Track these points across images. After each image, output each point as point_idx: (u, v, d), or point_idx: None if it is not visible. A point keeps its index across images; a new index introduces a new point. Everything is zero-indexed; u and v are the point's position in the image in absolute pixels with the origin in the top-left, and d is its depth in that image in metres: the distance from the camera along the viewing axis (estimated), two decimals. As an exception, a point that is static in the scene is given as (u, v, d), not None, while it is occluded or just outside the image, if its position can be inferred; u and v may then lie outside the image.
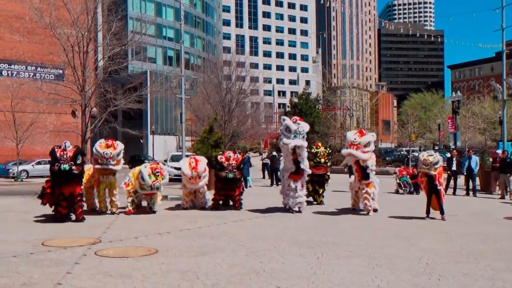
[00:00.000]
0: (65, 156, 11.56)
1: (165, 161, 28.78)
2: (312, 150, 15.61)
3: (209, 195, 15.18)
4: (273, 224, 11.88)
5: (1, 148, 41.67)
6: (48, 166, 12.77)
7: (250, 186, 23.72)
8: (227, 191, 14.63)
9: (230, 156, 14.32)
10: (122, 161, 13.78)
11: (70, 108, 39.66)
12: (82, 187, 12.78)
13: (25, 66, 46.89)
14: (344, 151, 13.76)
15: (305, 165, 13.79)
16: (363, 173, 13.53)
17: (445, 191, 20.32)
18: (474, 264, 7.73)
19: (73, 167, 11.53)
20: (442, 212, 12.58)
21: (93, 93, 22.95)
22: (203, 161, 14.75)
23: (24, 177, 33.42)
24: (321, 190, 16.04)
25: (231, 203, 14.88)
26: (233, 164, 14.10)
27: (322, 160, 15.56)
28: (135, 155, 50.89)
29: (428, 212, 12.69)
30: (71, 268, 7.31)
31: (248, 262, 7.73)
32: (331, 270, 7.23)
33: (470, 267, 7.50)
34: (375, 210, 13.64)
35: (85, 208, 13.11)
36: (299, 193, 13.81)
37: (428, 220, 12.43)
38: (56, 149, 11.76)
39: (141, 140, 59.71)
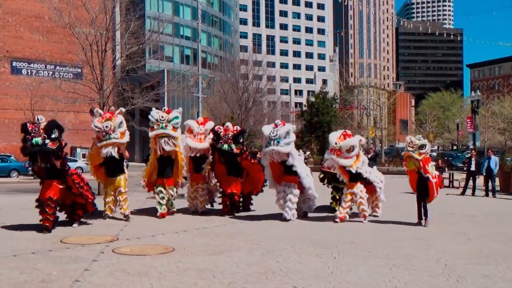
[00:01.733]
0: (36, 129, 9.89)
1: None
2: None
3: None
4: (290, 223, 11.84)
5: (21, 146, 42.25)
6: (70, 164, 11.85)
7: (266, 185, 23.63)
8: (230, 181, 12.91)
9: (228, 127, 12.62)
10: (128, 133, 12.32)
11: (88, 106, 40.02)
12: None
13: (44, 65, 47.51)
14: (326, 156, 12.44)
15: (299, 168, 12.34)
16: (351, 176, 12.00)
17: (464, 192, 20.26)
18: (494, 265, 7.63)
19: (47, 141, 9.80)
20: (425, 214, 11.45)
21: (111, 92, 23.08)
22: (210, 123, 13.77)
23: (43, 175, 33.73)
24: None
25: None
26: (229, 135, 12.38)
27: None
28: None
29: (420, 216, 11.66)
30: (89, 265, 7.36)
31: (264, 261, 7.71)
32: (348, 270, 7.19)
33: (490, 269, 7.40)
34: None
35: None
36: (289, 198, 12.27)
37: (421, 226, 11.39)
38: (28, 124, 10.10)
39: (158, 139, 59.95)
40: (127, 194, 12.26)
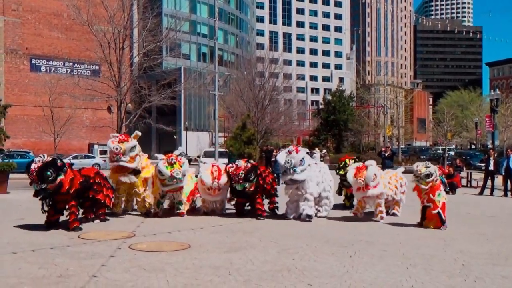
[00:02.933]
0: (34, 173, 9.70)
1: (198, 157, 28.96)
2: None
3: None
4: (306, 222, 11.80)
5: (40, 142, 42.78)
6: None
7: (282, 183, 23.69)
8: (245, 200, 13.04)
9: (239, 166, 12.26)
10: (139, 159, 12.25)
11: (106, 103, 40.45)
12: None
13: (62, 62, 48.04)
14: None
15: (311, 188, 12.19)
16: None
17: (482, 191, 20.02)
18: (513, 266, 7.53)
19: (43, 186, 9.68)
20: (442, 222, 11.01)
21: (128, 89, 23.28)
22: (225, 175, 12.71)
23: (61, 171, 34.09)
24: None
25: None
26: (240, 175, 12.03)
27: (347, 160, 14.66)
28: (168, 151, 51.40)
29: (423, 217, 11.37)
30: (106, 261, 7.42)
31: (280, 259, 7.71)
32: (364, 269, 7.15)
33: (509, 270, 7.30)
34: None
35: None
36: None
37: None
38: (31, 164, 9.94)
39: (174, 136, 60.35)
40: (146, 191, 12.52)
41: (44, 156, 10.10)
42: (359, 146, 54.83)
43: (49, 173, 9.66)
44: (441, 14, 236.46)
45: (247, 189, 12.12)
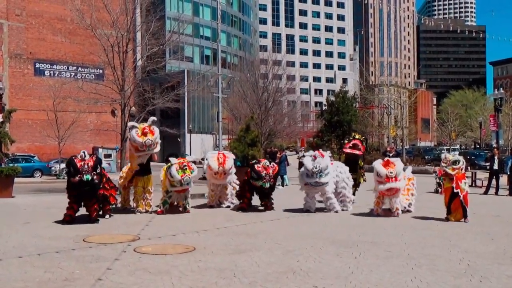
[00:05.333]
0: (86, 167, 11.14)
1: (202, 159, 28.95)
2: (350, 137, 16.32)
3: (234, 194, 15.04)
4: (310, 223, 11.81)
5: (44, 146, 42.87)
6: None
7: (287, 185, 23.74)
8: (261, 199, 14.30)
9: (267, 166, 13.65)
10: (159, 142, 13.58)
11: (110, 107, 40.46)
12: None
13: (66, 66, 48.11)
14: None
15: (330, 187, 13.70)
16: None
17: (487, 191, 19.96)
18: (518, 266, 7.50)
19: (95, 177, 11.22)
20: (465, 215, 11.90)
21: (132, 93, 23.30)
22: (231, 158, 14.61)
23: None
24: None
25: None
26: (270, 174, 13.54)
27: (357, 136, 16.29)
28: (172, 153, 51.47)
29: (448, 211, 12.17)
30: (111, 264, 7.44)
31: (285, 261, 7.71)
32: (369, 270, 7.14)
33: (514, 269, 7.28)
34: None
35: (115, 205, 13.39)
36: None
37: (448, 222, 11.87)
38: (74, 160, 11.37)
39: (178, 139, 60.35)
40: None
41: (84, 152, 11.54)
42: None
43: (98, 167, 11.37)
44: (444, 14, 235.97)
45: (272, 187, 13.65)
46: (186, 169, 12.85)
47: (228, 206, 14.68)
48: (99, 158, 12.01)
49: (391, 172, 12.41)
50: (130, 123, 13.85)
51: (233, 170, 14.56)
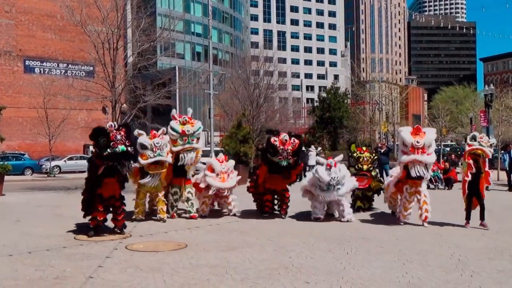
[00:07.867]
0: (118, 137, 9.32)
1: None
2: (354, 154, 13.30)
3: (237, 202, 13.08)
4: (302, 219, 11.82)
5: (34, 144, 42.61)
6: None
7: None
8: (275, 186, 12.17)
9: (286, 140, 11.38)
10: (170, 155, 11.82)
11: (100, 104, 40.20)
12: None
13: (56, 63, 47.79)
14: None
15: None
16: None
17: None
18: (509, 261, 7.56)
19: (130, 148, 9.50)
20: (482, 218, 10.77)
21: (123, 90, 23.17)
22: (231, 161, 13.09)
23: (57, 173, 34.04)
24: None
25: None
26: (289, 150, 11.35)
27: (365, 167, 12.95)
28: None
29: (468, 217, 10.90)
30: (103, 262, 7.41)
31: (277, 257, 7.71)
32: (361, 266, 7.16)
33: (505, 264, 7.33)
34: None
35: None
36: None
37: (469, 228, 10.60)
38: (108, 131, 9.41)
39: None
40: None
41: (115, 123, 9.89)
42: (354, 143, 54.87)
43: (131, 136, 9.78)
44: (435, 10, 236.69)
45: (290, 165, 11.47)
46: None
47: (234, 215, 12.65)
48: (129, 126, 10.10)
49: (417, 142, 10.49)
50: (137, 131, 11.74)
51: (235, 174, 12.68)
